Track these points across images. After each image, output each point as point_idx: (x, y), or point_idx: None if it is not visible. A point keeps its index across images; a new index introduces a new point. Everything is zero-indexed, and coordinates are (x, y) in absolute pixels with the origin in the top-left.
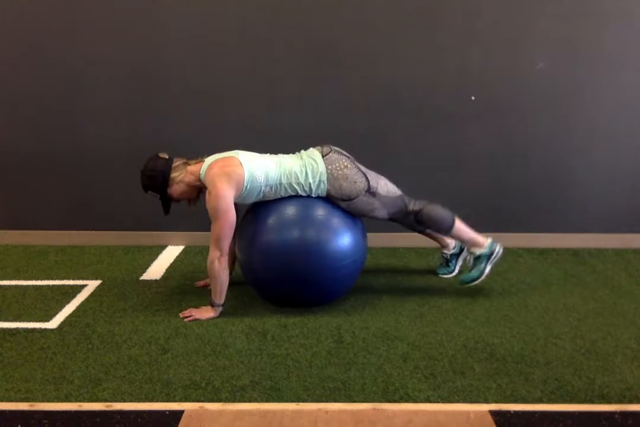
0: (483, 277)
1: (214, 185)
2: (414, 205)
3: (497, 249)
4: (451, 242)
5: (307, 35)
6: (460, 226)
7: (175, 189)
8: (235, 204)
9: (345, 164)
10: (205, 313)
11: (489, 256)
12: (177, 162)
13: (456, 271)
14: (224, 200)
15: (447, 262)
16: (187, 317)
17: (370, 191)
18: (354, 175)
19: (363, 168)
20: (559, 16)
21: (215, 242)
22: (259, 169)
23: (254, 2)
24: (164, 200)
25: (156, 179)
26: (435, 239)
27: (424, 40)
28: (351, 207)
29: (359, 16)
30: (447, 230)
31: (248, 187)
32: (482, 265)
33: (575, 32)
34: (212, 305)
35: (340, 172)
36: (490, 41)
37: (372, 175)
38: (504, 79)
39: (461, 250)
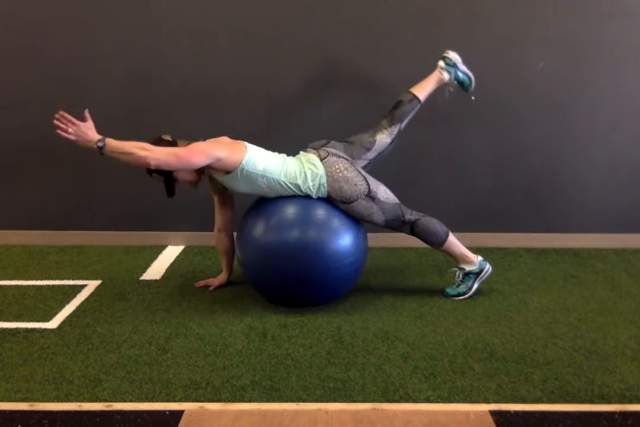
0: (470, 293)
1: (212, 139)
2: (410, 215)
3: (486, 268)
4: None
5: (307, 35)
6: (453, 241)
7: (180, 171)
8: (228, 193)
9: (345, 166)
10: (84, 133)
11: (478, 274)
12: (181, 145)
13: None
14: (208, 145)
15: None
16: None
17: (370, 195)
18: (354, 177)
19: (363, 172)
20: (559, 16)
21: (170, 156)
22: (260, 157)
23: (254, 2)
24: (168, 183)
25: None
26: None
27: (424, 40)
28: (350, 210)
29: (359, 16)
30: (439, 244)
31: (245, 169)
32: (471, 282)
33: (575, 32)
34: (97, 139)
35: (340, 174)
36: (490, 41)
37: (372, 180)
38: (504, 79)
39: None
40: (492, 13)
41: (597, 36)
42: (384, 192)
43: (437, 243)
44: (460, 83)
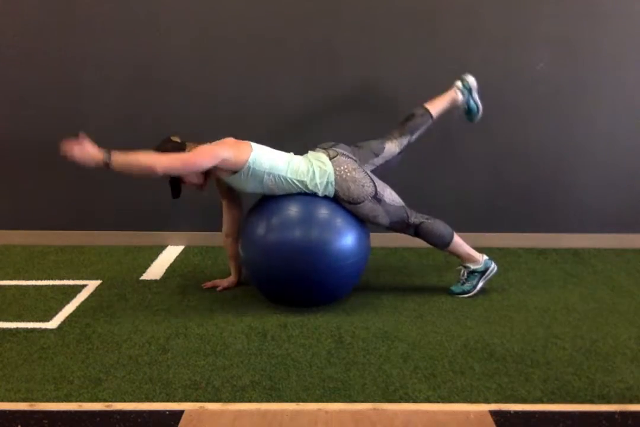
0: (475, 291)
1: (218, 141)
2: (415, 218)
3: (491, 267)
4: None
5: (307, 35)
6: (457, 242)
7: (187, 174)
8: (236, 198)
9: (353, 166)
10: (87, 153)
11: (483, 273)
12: (189, 147)
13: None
14: (212, 147)
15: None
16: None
17: (377, 197)
18: (362, 178)
19: (370, 174)
20: (559, 16)
21: (175, 161)
22: (266, 156)
23: (253, 2)
24: (173, 184)
25: None
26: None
27: (424, 40)
28: (355, 211)
29: (359, 16)
30: (444, 246)
31: (251, 168)
32: (476, 281)
33: (575, 32)
34: (105, 157)
35: (349, 174)
36: (490, 41)
37: (379, 182)
38: (504, 79)
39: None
40: (492, 13)
41: (597, 36)
42: (389, 195)
43: (441, 245)
44: (469, 110)
